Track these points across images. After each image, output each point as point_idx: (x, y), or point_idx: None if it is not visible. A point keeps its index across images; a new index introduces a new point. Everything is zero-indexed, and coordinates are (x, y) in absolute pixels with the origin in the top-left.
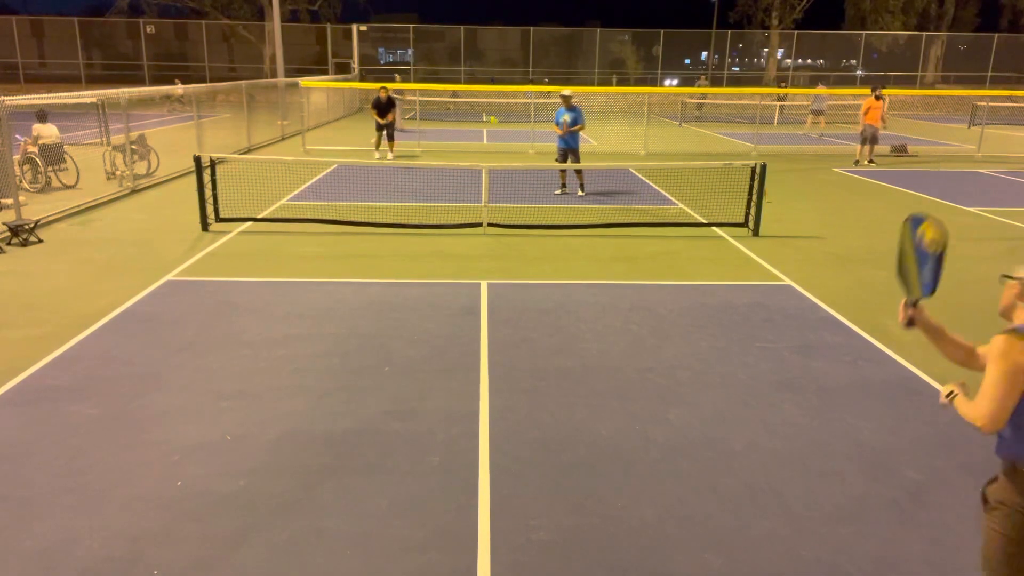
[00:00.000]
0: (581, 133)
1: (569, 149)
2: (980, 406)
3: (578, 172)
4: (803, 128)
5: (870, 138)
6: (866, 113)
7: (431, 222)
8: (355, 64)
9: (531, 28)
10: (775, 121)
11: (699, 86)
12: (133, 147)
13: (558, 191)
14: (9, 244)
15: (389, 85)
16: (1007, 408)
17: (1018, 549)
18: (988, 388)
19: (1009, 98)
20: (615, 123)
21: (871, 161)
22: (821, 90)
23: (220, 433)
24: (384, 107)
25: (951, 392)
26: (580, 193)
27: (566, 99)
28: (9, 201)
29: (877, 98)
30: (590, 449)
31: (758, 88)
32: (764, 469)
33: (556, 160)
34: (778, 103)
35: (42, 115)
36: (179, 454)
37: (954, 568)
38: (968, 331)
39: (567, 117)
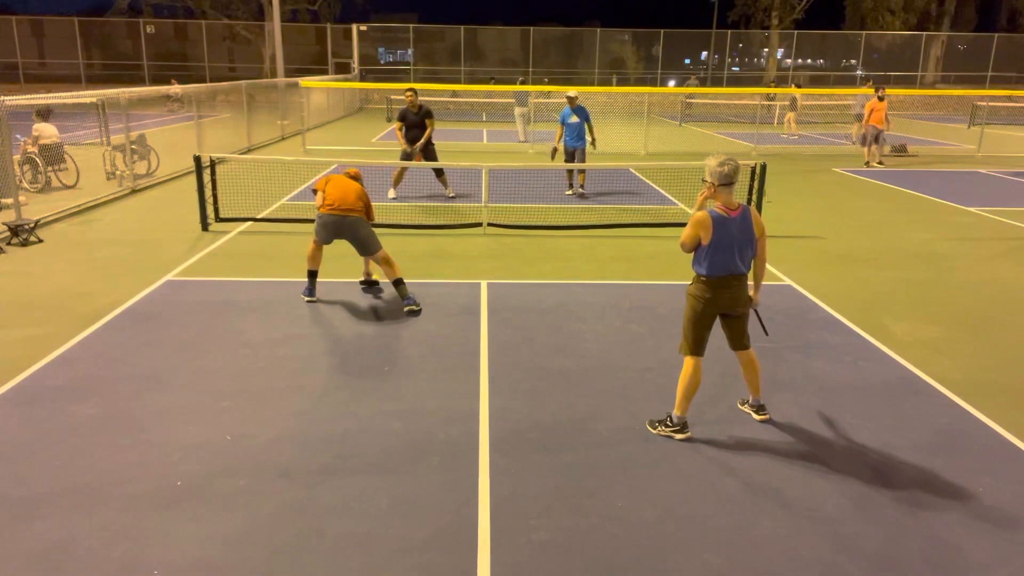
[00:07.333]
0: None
1: (576, 149)
2: (682, 237)
3: (580, 173)
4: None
5: (873, 139)
6: (870, 114)
7: (431, 222)
8: (355, 64)
9: (531, 28)
10: (775, 121)
11: (688, 86)
12: (133, 147)
13: (568, 191)
14: (9, 244)
15: (426, 84)
16: (693, 242)
17: (692, 316)
18: (685, 231)
19: (1009, 98)
20: (615, 123)
21: (880, 162)
22: (770, 89)
23: (220, 433)
24: (414, 122)
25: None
26: (581, 191)
27: (571, 100)
28: (9, 201)
29: (880, 99)
30: (590, 449)
31: (752, 88)
32: (764, 469)
33: (564, 160)
34: (768, 103)
35: (44, 113)
36: (179, 454)
37: (954, 568)
38: (970, 331)
39: (575, 118)
